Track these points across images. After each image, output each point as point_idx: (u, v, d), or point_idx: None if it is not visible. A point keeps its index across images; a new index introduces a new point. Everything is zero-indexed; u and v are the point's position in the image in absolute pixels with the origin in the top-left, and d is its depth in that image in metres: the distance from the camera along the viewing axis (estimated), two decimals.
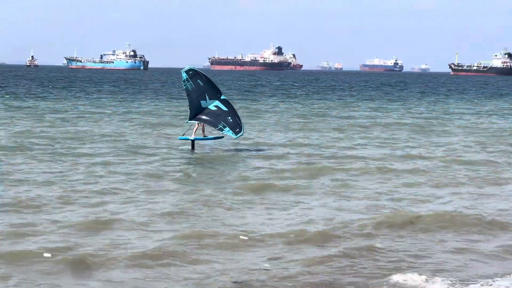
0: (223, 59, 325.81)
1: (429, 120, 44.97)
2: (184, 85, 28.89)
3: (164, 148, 29.01)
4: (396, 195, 20.21)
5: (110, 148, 28.57)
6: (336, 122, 42.59)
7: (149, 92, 78.30)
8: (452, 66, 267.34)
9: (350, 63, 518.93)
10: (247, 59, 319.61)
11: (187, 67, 29.10)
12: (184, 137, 29.28)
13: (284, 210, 18.10)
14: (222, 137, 29.53)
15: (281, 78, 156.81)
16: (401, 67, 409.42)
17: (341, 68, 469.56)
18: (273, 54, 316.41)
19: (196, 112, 28.86)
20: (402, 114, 50.09)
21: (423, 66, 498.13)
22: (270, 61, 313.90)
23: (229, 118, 28.60)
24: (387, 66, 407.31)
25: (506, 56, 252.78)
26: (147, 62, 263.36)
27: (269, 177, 22.58)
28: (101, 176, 21.93)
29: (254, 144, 30.95)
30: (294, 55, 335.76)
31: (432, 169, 24.75)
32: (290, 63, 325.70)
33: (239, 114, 29.39)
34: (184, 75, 28.62)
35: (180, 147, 29.34)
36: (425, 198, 19.92)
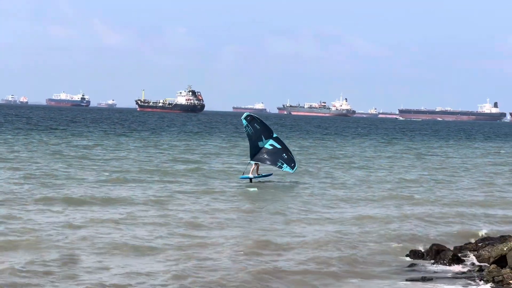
0: None
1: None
2: (245, 131, 32.63)
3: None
4: None
5: None
6: None
7: None
8: (139, 102, 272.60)
9: (36, 97, 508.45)
10: None
11: (245, 114, 32.85)
12: (244, 176, 32.76)
13: None
14: (271, 174, 33.54)
15: None
16: (88, 102, 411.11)
17: (26, 102, 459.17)
18: None
19: (255, 152, 32.50)
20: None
21: (110, 102, 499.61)
22: None
23: (284, 155, 32.53)
24: (74, 101, 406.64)
25: (190, 93, 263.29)
26: None
27: None
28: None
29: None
30: None
31: None
32: None
33: (290, 149, 33.38)
34: (244, 122, 32.28)
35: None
36: None
